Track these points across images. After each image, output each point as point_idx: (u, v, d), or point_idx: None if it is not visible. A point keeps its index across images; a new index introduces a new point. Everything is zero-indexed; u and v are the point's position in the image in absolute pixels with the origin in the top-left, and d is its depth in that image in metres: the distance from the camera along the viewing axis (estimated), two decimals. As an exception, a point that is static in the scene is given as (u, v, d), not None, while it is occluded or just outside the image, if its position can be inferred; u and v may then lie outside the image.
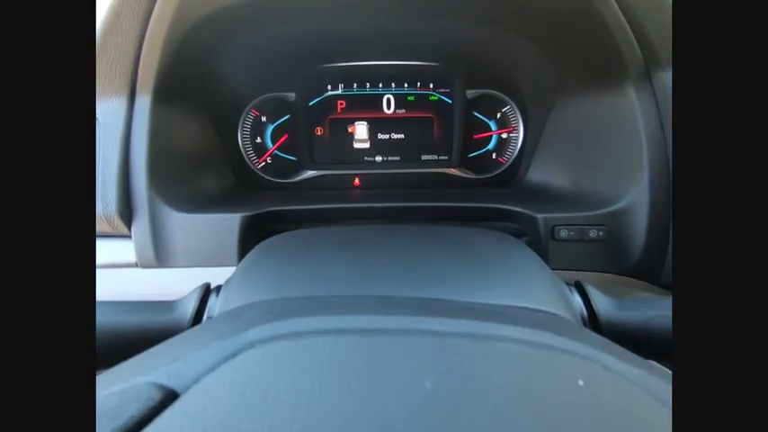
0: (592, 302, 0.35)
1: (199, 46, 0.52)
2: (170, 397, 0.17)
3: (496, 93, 0.72)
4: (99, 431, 0.15)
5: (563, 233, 0.50)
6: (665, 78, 0.46)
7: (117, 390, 0.17)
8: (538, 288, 0.33)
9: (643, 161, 0.47)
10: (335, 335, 0.20)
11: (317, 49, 0.67)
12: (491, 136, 0.74)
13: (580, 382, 0.18)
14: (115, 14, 0.44)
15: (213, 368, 0.18)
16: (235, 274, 0.37)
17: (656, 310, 0.33)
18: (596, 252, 0.50)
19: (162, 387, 0.17)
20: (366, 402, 0.16)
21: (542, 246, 0.51)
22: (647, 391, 0.19)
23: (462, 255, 0.37)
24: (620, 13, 0.42)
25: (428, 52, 0.70)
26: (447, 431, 0.15)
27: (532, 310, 0.29)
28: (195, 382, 0.18)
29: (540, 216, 0.51)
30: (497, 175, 0.74)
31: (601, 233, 0.49)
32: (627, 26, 0.43)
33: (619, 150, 0.50)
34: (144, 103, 0.50)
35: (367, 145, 0.73)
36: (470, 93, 0.72)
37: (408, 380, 0.17)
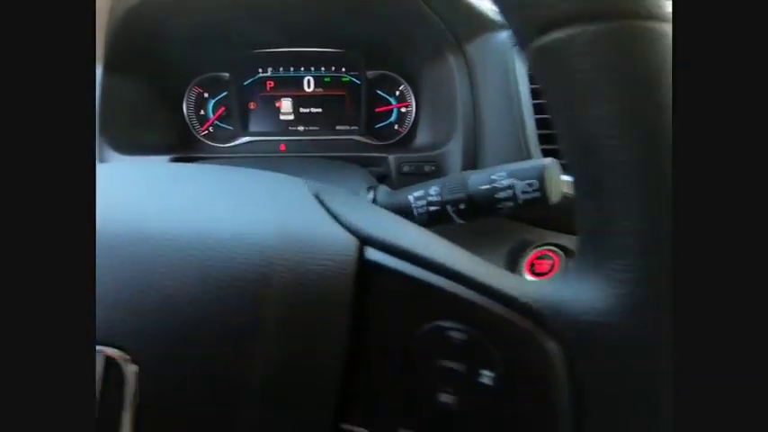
0: (376, 196, 0.51)
1: (140, 25, 0.69)
2: None
3: (393, 74, 0.89)
4: None
5: (405, 168, 0.66)
6: (472, 49, 0.62)
7: None
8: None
9: (458, 117, 0.63)
10: None
11: (248, 36, 0.84)
12: (392, 110, 0.90)
13: None
14: None
15: None
16: None
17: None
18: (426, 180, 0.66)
19: None
20: None
21: (392, 178, 0.67)
22: None
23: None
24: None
25: (337, 41, 0.87)
26: None
27: None
28: None
29: (391, 156, 0.67)
30: (397, 141, 0.90)
31: (433, 168, 0.65)
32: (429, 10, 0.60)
33: (446, 109, 0.67)
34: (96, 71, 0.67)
35: (291, 117, 0.90)
36: (371, 73, 0.88)
37: None
